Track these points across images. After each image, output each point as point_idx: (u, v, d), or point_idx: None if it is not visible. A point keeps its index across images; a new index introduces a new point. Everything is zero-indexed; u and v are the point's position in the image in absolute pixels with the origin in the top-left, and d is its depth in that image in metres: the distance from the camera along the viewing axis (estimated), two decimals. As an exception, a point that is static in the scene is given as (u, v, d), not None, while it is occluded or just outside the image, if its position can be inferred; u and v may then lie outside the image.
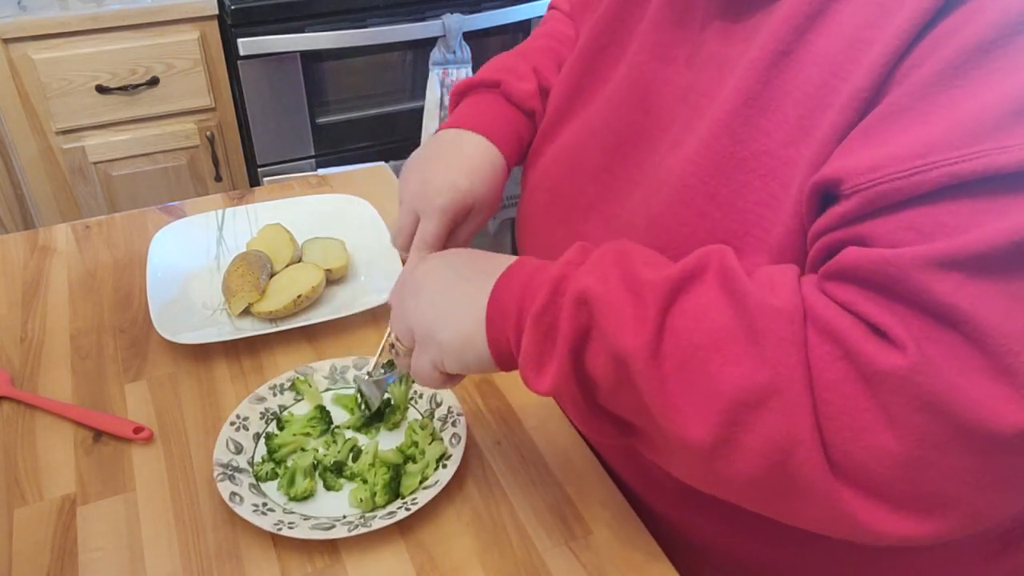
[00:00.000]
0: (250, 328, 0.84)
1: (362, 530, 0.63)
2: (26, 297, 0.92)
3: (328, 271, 0.91)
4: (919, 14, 0.44)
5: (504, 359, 0.55)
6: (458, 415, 0.72)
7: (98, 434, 0.74)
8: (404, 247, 0.75)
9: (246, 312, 0.86)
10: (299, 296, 0.86)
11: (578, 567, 0.63)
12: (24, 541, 0.65)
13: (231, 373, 0.81)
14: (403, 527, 0.65)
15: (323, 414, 0.74)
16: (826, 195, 0.48)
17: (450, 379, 0.60)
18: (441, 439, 0.71)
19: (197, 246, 0.97)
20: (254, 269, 0.87)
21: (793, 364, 0.44)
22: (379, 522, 0.63)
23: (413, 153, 0.78)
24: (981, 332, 0.40)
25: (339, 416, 0.76)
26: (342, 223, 0.98)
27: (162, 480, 0.69)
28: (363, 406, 0.74)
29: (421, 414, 0.75)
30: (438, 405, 0.75)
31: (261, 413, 0.74)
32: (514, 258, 0.57)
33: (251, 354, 0.83)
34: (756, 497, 0.48)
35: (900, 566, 0.61)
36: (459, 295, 0.57)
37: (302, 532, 0.62)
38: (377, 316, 0.87)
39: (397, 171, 2.32)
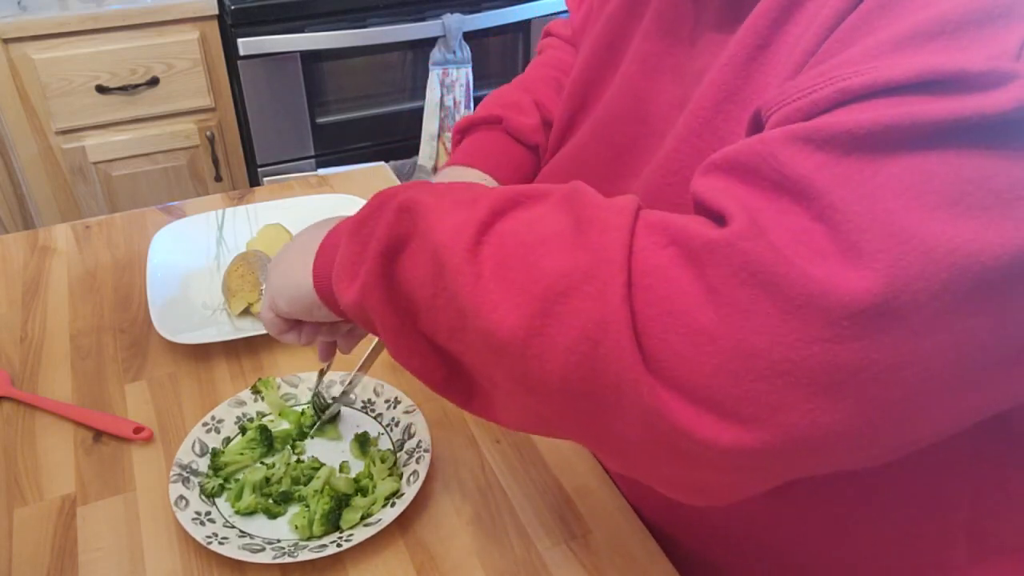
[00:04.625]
0: (250, 328, 0.84)
1: (287, 559, 0.60)
2: (26, 297, 0.92)
3: (328, 271, 0.91)
4: None
5: (325, 291, 0.54)
6: (424, 451, 0.69)
7: (98, 434, 0.74)
8: None
9: (246, 312, 0.86)
10: (299, 296, 0.86)
11: (578, 567, 0.63)
12: (24, 541, 0.65)
13: (231, 373, 0.81)
14: (403, 526, 0.65)
15: (263, 435, 0.72)
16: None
17: (289, 327, 0.61)
18: (400, 475, 0.69)
19: (197, 246, 0.97)
20: (254, 269, 0.87)
21: (616, 248, 0.41)
22: (306, 554, 0.61)
23: None
24: (833, 210, 0.37)
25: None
26: (342, 223, 0.98)
27: (162, 480, 0.69)
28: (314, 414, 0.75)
29: (393, 443, 0.73)
30: (410, 436, 0.71)
31: (237, 418, 0.74)
32: None
33: (251, 354, 0.83)
34: (571, 406, 0.44)
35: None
36: (306, 239, 0.58)
37: (229, 550, 0.61)
38: (377, 316, 0.87)
39: (397, 171, 2.31)
